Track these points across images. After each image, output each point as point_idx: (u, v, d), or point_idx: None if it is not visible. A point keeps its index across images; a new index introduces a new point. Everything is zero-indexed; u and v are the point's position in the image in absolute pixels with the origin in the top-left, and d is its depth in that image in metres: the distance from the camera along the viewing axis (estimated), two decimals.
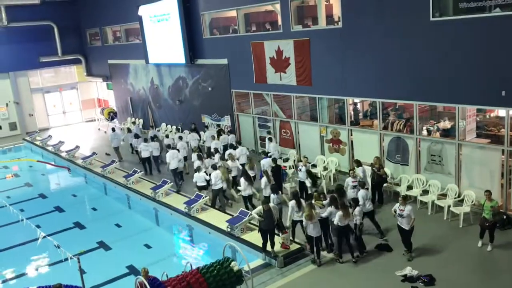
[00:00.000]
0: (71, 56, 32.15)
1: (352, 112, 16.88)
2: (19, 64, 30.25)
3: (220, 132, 19.65)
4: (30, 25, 29.92)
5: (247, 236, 12.53)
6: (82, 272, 10.00)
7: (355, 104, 17.25)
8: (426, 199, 13.34)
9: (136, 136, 21.51)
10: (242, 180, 14.09)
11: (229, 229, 12.81)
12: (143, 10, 24.00)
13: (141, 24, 24.52)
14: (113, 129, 22.13)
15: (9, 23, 29.09)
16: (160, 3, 22.56)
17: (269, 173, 14.09)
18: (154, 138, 19.93)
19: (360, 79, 15.04)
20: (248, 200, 14.16)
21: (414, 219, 10.88)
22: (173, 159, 16.97)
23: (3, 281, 12.53)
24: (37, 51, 30.76)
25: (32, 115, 31.37)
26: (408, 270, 10.25)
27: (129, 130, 23.18)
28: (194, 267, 10.32)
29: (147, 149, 19.03)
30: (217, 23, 21.38)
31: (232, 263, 10.21)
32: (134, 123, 25.62)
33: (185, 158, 18.20)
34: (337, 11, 15.71)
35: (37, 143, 27.34)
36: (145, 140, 19.46)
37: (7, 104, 30.37)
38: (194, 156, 16.85)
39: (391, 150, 14.81)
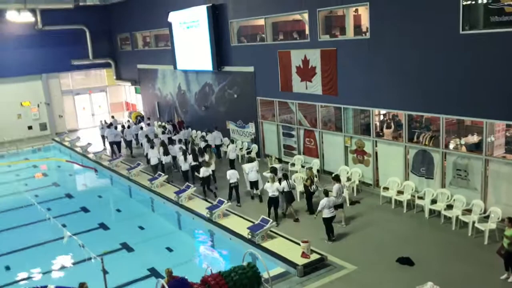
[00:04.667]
0: (102, 60, 32.88)
1: (378, 123, 16.78)
2: (52, 66, 31.11)
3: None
4: (63, 29, 30.80)
5: (267, 244, 12.56)
6: (105, 272, 10.18)
7: (383, 115, 17.11)
8: (450, 214, 13.13)
9: (109, 126, 25.57)
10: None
11: (250, 236, 12.87)
12: (173, 17, 24.40)
13: (171, 30, 24.93)
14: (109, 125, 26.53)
15: (43, 27, 30.04)
16: (190, 10, 22.92)
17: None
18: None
19: (387, 90, 14.97)
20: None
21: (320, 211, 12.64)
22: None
23: (27, 278, 12.76)
24: (69, 54, 31.56)
25: (62, 116, 32.16)
26: (430, 286, 10.10)
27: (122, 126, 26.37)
28: (214, 272, 10.42)
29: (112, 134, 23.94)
30: (245, 31, 21.60)
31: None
32: (164, 127, 26.07)
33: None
34: (365, 22, 15.69)
35: (66, 143, 28.01)
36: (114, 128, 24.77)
37: (38, 105, 31.24)
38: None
39: (416, 163, 14.65)
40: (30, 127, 31.05)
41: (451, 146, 14.01)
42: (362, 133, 16.53)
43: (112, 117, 30.56)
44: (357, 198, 15.76)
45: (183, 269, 11.63)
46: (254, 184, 16.31)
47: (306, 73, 17.52)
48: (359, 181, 16.30)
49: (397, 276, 10.92)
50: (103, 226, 16.08)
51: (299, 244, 11.99)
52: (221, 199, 15.16)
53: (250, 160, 17.41)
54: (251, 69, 20.40)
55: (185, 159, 18.44)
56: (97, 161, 23.46)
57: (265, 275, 10.32)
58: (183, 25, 23.89)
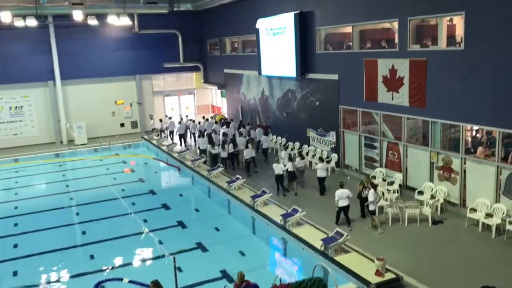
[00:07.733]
0: (192, 64, 34.17)
1: (469, 139, 15.70)
2: (145, 68, 32.86)
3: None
4: (157, 33, 32.46)
5: (340, 258, 12.21)
6: (176, 270, 10.46)
7: (476, 131, 15.98)
8: None
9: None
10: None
11: (322, 248, 12.59)
12: (261, 23, 24.71)
13: (258, 37, 25.26)
14: (170, 117, 30.81)
15: (139, 30, 31.86)
16: (278, 17, 23.06)
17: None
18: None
19: (480, 105, 13.96)
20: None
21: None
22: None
23: (100, 270, 13.25)
24: (162, 57, 33.16)
25: (152, 116, 33.73)
26: None
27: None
28: (283, 282, 10.30)
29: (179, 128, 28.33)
30: (331, 38, 21.30)
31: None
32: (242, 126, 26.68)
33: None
34: (460, 32, 14.78)
35: (154, 142, 29.37)
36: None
37: (131, 104, 33.12)
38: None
39: (509, 185, 13.49)
40: (122, 125, 32.99)
41: None
42: (451, 149, 15.57)
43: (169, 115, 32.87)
44: (441, 217, 14.86)
45: (254, 274, 11.59)
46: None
47: (393, 83, 16.87)
48: (444, 199, 15.36)
49: None
50: (181, 224, 16.60)
51: (373, 261, 11.54)
52: (296, 207, 15.02)
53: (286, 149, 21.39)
54: (335, 77, 20.06)
55: (224, 148, 22.05)
56: (181, 161, 24.33)
57: None
58: (269, 31, 24.10)
